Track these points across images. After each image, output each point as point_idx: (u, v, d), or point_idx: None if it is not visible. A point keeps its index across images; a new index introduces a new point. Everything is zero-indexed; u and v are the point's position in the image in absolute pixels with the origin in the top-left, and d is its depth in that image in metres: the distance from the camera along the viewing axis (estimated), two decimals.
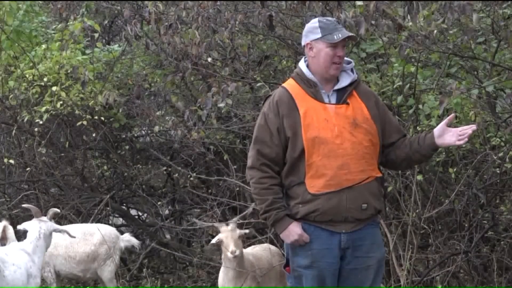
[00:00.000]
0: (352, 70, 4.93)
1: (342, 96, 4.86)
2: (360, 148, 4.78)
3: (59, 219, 10.18)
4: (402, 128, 5.07)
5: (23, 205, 7.72)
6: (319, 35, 4.81)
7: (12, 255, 6.77)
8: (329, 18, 4.91)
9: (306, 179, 4.78)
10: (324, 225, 4.79)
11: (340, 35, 4.78)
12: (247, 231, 6.94)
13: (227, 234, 6.74)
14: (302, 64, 4.91)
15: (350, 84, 4.89)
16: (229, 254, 6.67)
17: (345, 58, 4.95)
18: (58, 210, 7.42)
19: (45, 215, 7.11)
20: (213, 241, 6.84)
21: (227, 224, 6.87)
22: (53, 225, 7.06)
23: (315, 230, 4.81)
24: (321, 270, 4.81)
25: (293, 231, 4.82)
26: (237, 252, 6.68)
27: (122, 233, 9.06)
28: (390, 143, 4.94)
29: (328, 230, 4.80)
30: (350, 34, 4.82)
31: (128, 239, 8.78)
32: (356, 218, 4.79)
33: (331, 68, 4.82)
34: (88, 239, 8.60)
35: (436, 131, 4.87)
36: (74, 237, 7.57)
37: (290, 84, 4.93)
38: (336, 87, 4.88)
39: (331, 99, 4.86)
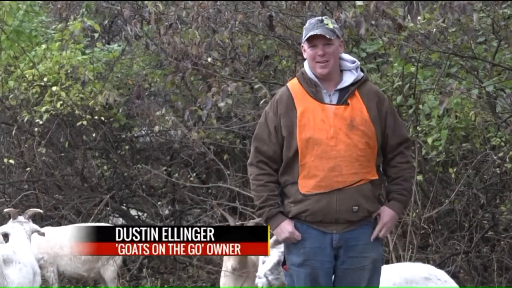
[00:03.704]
0: (357, 69, 4.90)
1: (343, 96, 4.84)
2: (355, 151, 4.76)
3: (59, 219, 10.20)
4: (404, 132, 4.95)
5: (5, 210, 7.78)
6: (303, 36, 4.86)
7: (19, 253, 6.79)
8: (317, 18, 4.89)
9: (299, 179, 4.80)
10: (315, 225, 4.81)
11: (311, 33, 4.79)
12: None
13: None
14: (306, 64, 4.92)
15: (353, 84, 4.87)
16: (229, 267, 6.69)
17: (350, 58, 4.94)
18: (39, 210, 7.47)
19: (21, 215, 7.17)
20: None
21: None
22: (34, 225, 7.13)
23: (307, 229, 4.82)
24: (314, 269, 4.82)
25: (285, 229, 4.83)
26: (238, 269, 6.69)
27: None
28: (389, 151, 4.90)
29: (320, 230, 4.81)
30: (318, 32, 4.77)
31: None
32: (347, 220, 4.78)
33: (316, 67, 4.83)
34: None
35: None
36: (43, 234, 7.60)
37: (292, 83, 4.94)
38: (338, 87, 4.87)
39: (332, 98, 4.84)
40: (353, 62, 4.92)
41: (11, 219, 7.15)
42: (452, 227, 8.12)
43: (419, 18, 6.53)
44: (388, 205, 4.87)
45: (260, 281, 5.98)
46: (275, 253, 5.89)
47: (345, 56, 4.94)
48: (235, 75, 8.59)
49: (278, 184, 4.88)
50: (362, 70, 4.93)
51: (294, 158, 4.80)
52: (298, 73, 4.98)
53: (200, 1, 7.47)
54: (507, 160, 7.44)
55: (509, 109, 7.35)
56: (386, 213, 4.85)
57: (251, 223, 6.98)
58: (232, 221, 6.92)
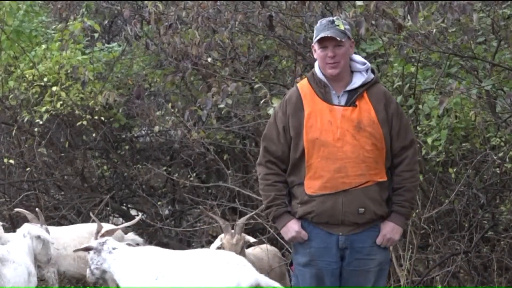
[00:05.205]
0: (367, 71, 4.89)
1: (352, 97, 4.84)
2: (361, 152, 4.76)
3: (59, 219, 10.20)
4: (409, 136, 4.91)
5: (17, 209, 7.85)
6: (314, 37, 4.85)
7: (13, 252, 6.81)
8: (328, 19, 4.88)
9: (305, 180, 4.81)
10: (321, 226, 4.81)
11: (322, 34, 4.78)
12: (252, 239, 6.92)
13: (230, 247, 6.74)
14: (316, 64, 4.92)
15: (362, 86, 4.86)
16: None
17: (361, 59, 4.93)
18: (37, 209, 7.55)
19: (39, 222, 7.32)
20: (214, 247, 6.84)
21: (233, 227, 6.86)
22: (37, 231, 7.17)
23: (314, 229, 4.83)
24: (319, 269, 4.83)
25: (291, 228, 4.85)
26: None
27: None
28: (394, 154, 4.88)
29: (326, 231, 4.81)
30: (329, 34, 4.77)
31: (132, 238, 8.80)
32: (353, 222, 4.78)
33: (326, 68, 4.83)
34: None
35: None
36: (56, 248, 7.70)
37: (302, 83, 4.95)
38: (347, 88, 4.86)
39: (341, 100, 4.84)
40: (364, 63, 4.91)
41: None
42: (452, 227, 8.11)
43: (419, 17, 6.52)
44: (389, 218, 4.87)
45: (87, 271, 6.43)
46: (94, 243, 6.36)
47: (356, 57, 4.94)
48: (235, 75, 8.59)
49: (286, 184, 4.90)
50: (373, 72, 4.92)
51: (301, 159, 4.82)
52: (308, 73, 4.99)
53: (200, 1, 7.47)
54: (507, 160, 7.44)
55: (509, 109, 7.34)
56: (386, 225, 4.86)
57: (240, 221, 6.97)
58: (222, 223, 6.94)
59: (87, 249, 6.44)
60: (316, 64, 4.92)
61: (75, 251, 6.82)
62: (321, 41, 4.81)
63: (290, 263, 5.05)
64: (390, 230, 4.85)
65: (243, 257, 6.83)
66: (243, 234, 6.87)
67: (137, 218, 7.61)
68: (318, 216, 4.79)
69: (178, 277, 6.01)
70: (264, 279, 6.01)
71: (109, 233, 6.55)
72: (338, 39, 4.77)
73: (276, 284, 6.05)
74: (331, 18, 4.88)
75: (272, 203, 4.87)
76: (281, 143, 4.87)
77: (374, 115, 4.80)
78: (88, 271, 6.41)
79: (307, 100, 4.84)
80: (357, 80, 4.87)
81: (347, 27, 4.87)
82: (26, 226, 7.28)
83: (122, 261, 6.27)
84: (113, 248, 6.35)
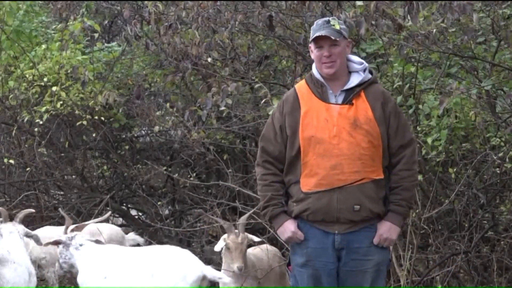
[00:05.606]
0: (365, 71, 4.90)
1: (349, 96, 4.85)
2: (357, 149, 4.76)
3: (59, 220, 10.19)
4: (408, 135, 4.92)
5: None
6: (310, 37, 4.87)
7: (13, 252, 6.80)
8: (323, 19, 4.90)
9: (301, 177, 4.82)
10: (317, 224, 4.81)
11: (317, 34, 4.80)
12: (256, 239, 6.91)
13: (236, 246, 6.72)
14: (314, 65, 4.94)
15: (359, 85, 4.87)
16: (235, 268, 6.67)
17: (358, 59, 4.95)
18: (31, 210, 7.52)
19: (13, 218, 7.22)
20: (218, 248, 6.81)
21: (235, 226, 6.85)
22: (24, 228, 7.18)
23: (310, 229, 4.84)
24: (316, 269, 4.83)
25: (288, 228, 4.86)
26: (243, 269, 6.69)
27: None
28: (392, 153, 4.89)
29: (322, 229, 4.81)
30: (324, 33, 4.78)
31: (133, 237, 8.81)
32: (349, 220, 4.78)
33: (322, 67, 4.84)
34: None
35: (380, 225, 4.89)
36: (42, 244, 7.67)
37: (300, 84, 4.98)
38: (344, 87, 4.87)
39: (338, 99, 4.86)
40: (361, 63, 4.93)
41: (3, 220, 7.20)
42: (452, 227, 8.11)
43: (419, 17, 6.53)
44: (386, 217, 4.86)
45: (56, 265, 6.72)
46: (64, 237, 6.64)
47: (353, 57, 4.96)
48: (235, 75, 8.59)
49: (283, 184, 4.91)
50: (371, 72, 4.93)
51: (297, 157, 4.83)
52: (307, 75, 5.01)
53: (200, 1, 7.47)
54: (507, 160, 7.44)
55: (509, 109, 7.34)
56: (383, 225, 4.86)
57: (242, 219, 6.97)
58: (223, 223, 6.94)
59: (57, 242, 6.63)
60: (314, 65, 4.94)
61: (45, 244, 6.91)
62: (317, 40, 4.83)
63: (288, 264, 5.05)
64: (387, 230, 4.84)
65: (246, 256, 6.85)
66: (246, 233, 6.86)
67: (107, 214, 7.97)
68: (313, 214, 4.79)
69: (126, 275, 6.22)
70: (209, 271, 6.20)
71: (79, 228, 6.80)
72: (333, 38, 4.79)
73: (222, 274, 6.23)
74: (327, 19, 4.90)
75: (269, 203, 4.89)
76: (278, 143, 4.89)
77: (370, 113, 4.82)
78: (57, 264, 6.61)
79: (304, 100, 4.87)
80: (354, 80, 4.89)
81: (343, 26, 4.89)
82: (9, 226, 7.17)
83: (85, 259, 6.51)
84: (80, 245, 6.59)
